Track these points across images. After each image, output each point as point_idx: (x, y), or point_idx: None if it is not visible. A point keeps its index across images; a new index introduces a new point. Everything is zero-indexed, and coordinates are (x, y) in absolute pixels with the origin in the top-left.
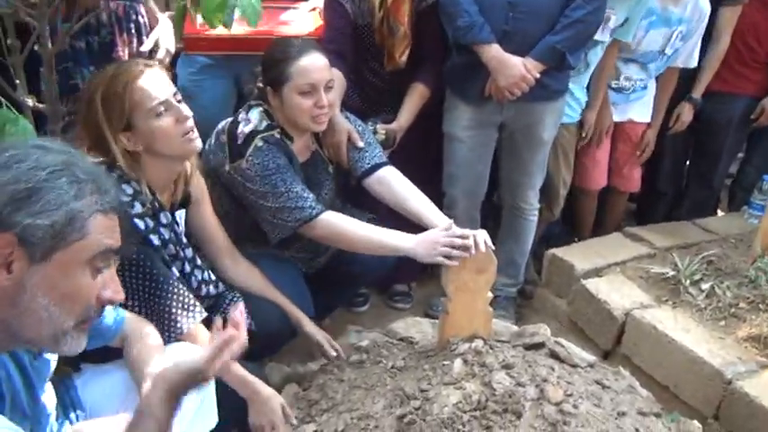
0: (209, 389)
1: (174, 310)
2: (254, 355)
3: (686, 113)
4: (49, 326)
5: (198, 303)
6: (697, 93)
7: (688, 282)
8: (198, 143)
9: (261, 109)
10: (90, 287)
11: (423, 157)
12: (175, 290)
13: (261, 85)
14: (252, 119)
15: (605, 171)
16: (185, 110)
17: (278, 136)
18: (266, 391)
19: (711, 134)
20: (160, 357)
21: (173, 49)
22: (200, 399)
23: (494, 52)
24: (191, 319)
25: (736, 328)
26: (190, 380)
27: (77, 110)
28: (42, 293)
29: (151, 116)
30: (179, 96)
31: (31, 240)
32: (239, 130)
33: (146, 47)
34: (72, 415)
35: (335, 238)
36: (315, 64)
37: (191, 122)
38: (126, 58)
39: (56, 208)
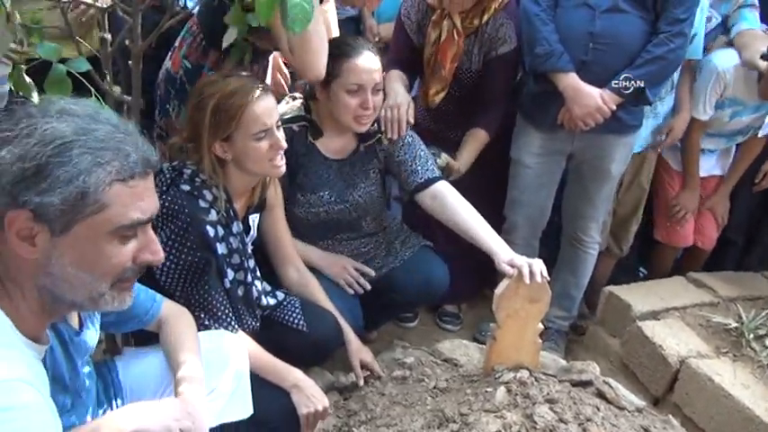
0: (244, 376)
1: (202, 315)
2: (304, 361)
3: None
4: (84, 290)
5: (233, 320)
6: None
7: (751, 336)
8: (282, 169)
9: (300, 101)
10: (119, 254)
11: (477, 183)
12: (214, 301)
13: None
14: (284, 106)
15: (691, 232)
16: (282, 140)
17: (296, 129)
18: (308, 379)
19: None
20: (193, 345)
21: None
22: (234, 383)
23: (570, 80)
24: (217, 327)
25: None
26: None
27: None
28: (69, 262)
29: (251, 138)
30: (279, 123)
31: (46, 216)
32: None
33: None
34: (113, 403)
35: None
36: (366, 65)
37: (282, 152)
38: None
39: (65, 184)
